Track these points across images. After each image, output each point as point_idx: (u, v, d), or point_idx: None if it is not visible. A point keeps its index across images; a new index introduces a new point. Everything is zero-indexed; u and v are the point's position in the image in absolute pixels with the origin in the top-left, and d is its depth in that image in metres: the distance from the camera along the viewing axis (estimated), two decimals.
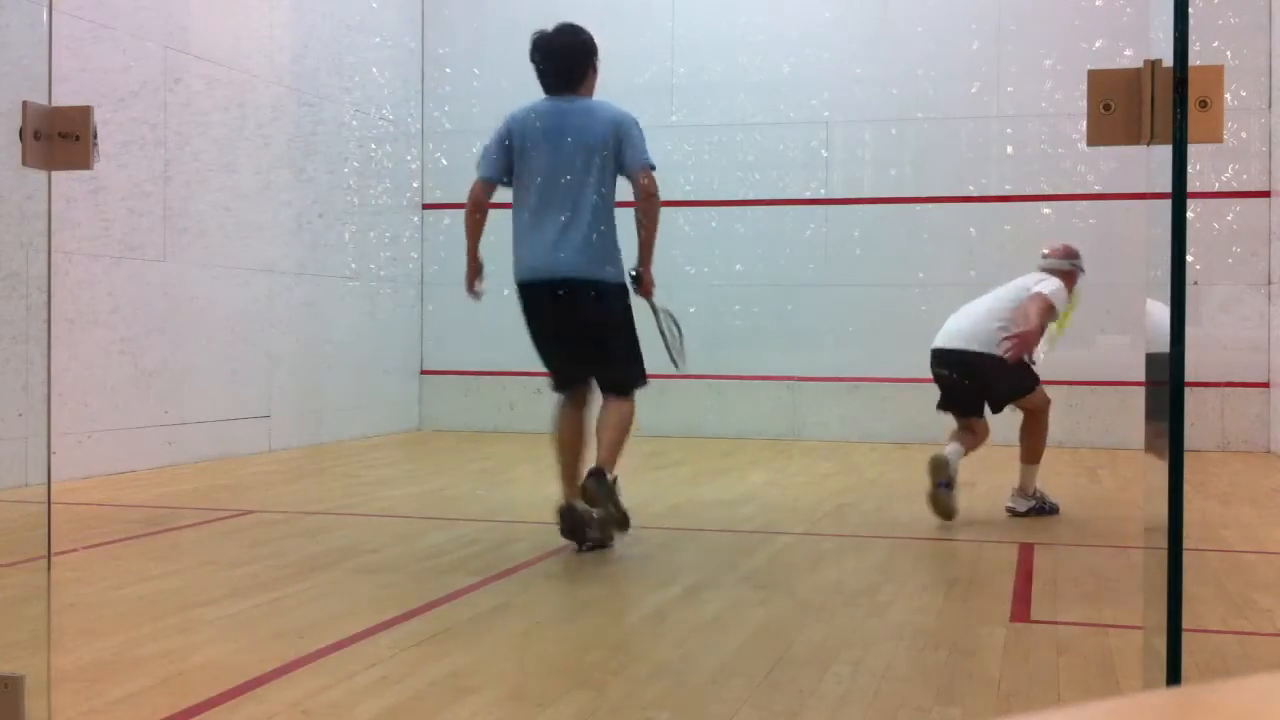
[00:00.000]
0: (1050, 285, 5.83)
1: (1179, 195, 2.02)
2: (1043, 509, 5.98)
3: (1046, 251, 6.10)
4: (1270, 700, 0.67)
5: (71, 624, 3.63)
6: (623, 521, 4.86)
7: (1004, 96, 9.67)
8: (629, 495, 6.78)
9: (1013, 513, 5.95)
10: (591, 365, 4.93)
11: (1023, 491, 6.02)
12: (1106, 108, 2.05)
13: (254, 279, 8.53)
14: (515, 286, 4.96)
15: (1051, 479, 7.49)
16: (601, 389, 4.96)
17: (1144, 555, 4.74)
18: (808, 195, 9.99)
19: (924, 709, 2.90)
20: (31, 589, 4.12)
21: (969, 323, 5.98)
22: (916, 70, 9.80)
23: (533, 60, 5.07)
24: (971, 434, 5.98)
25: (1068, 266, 6.00)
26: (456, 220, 10.88)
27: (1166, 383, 2.06)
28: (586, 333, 4.87)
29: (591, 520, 4.77)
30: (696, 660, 3.28)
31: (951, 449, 5.78)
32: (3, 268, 6.37)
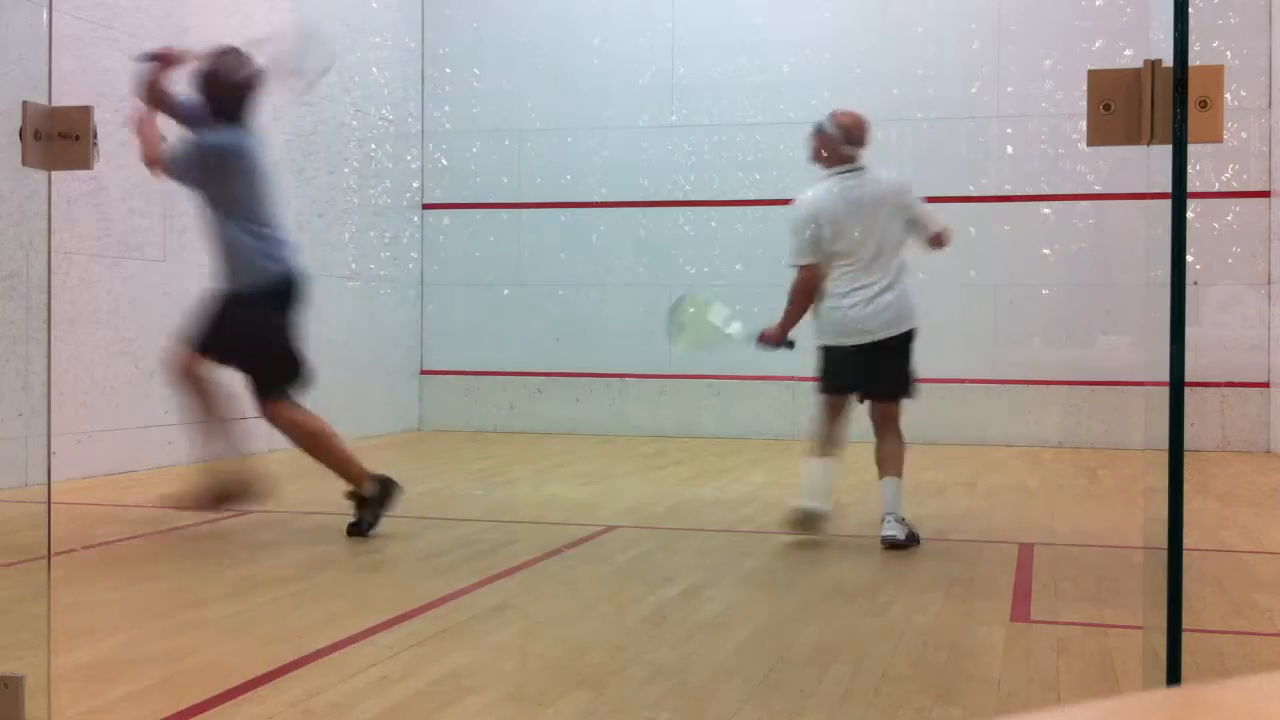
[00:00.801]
0: None
1: (1179, 195, 2.02)
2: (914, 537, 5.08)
3: None
4: (1270, 700, 0.67)
5: (71, 624, 3.63)
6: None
7: (1004, 96, 9.67)
8: (630, 495, 6.80)
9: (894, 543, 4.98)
10: None
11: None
12: (1106, 108, 2.05)
13: None
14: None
15: (1052, 479, 7.50)
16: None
17: (1144, 555, 4.74)
18: None
19: (924, 709, 2.90)
20: (31, 589, 4.12)
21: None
22: (916, 70, 9.80)
23: None
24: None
25: None
26: (456, 220, 10.95)
27: (1167, 383, 2.06)
28: None
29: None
30: (696, 660, 3.28)
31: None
32: (3, 268, 6.37)
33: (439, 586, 4.21)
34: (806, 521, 5.07)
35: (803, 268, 5.20)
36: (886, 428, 5.36)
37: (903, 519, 5.03)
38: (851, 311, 5.17)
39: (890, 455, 5.25)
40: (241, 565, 4.59)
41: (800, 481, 5.26)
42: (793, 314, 5.34)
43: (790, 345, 5.40)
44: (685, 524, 5.73)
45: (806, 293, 5.24)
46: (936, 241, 5.34)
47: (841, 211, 5.14)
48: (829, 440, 5.35)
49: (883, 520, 5.04)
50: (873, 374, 5.28)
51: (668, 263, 10.13)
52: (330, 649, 3.37)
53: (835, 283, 5.17)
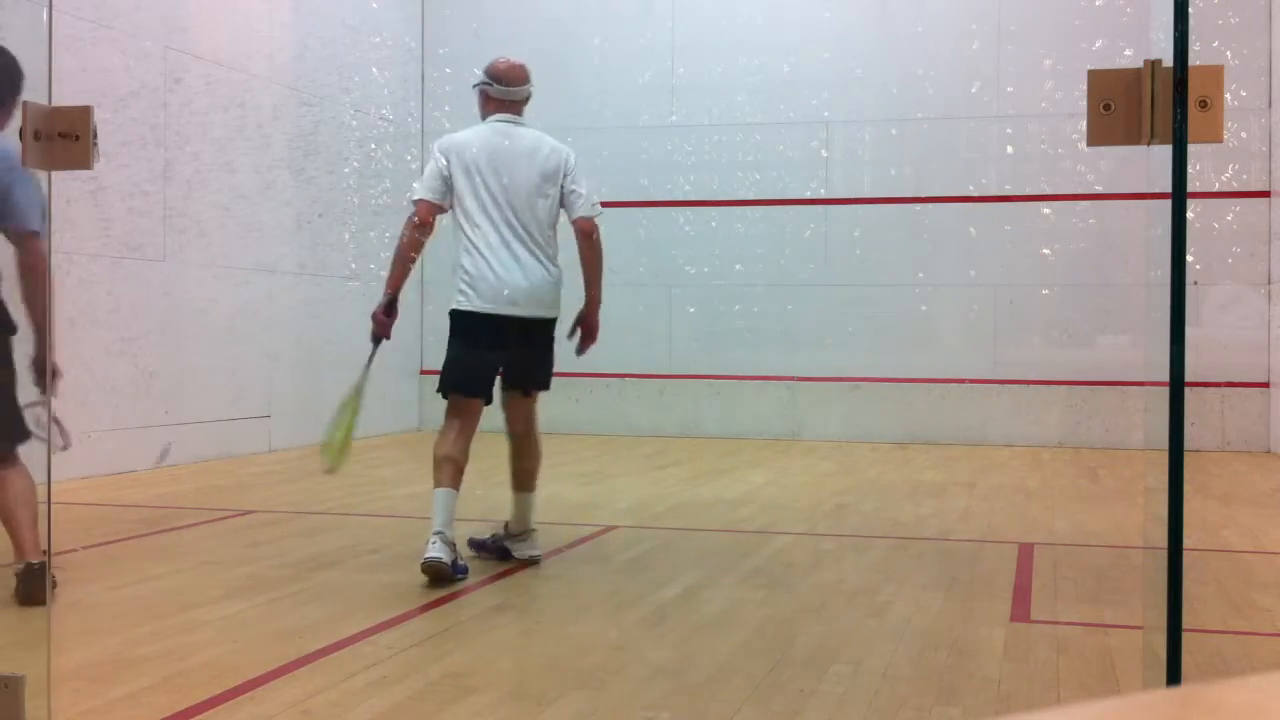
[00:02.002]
0: None
1: (1179, 195, 2.02)
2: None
3: None
4: (1270, 700, 0.67)
5: (71, 624, 3.63)
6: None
7: (1004, 96, 9.67)
8: (630, 495, 6.79)
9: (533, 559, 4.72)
10: None
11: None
12: (1106, 108, 2.05)
13: (254, 279, 8.53)
14: None
15: (1052, 479, 7.50)
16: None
17: (1144, 555, 4.74)
18: (808, 195, 10.00)
19: (924, 709, 2.91)
20: None
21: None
22: (916, 70, 9.80)
23: None
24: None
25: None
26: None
27: (1167, 383, 2.06)
28: None
29: None
30: (696, 660, 3.28)
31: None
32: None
33: (439, 586, 4.21)
34: (437, 576, 4.23)
35: (416, 202, 4.55)
36: (528, 428, 4.79)
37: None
38: (498, 269, 4.50)
39: (533, 468, 4.81)
40: (241, 565, 4.59)
41: (434, 517, 4.38)
42: (397, 264, 4.68)
43: (390, 312, 4.74)
44: (685, 524, 5.73)
45: (411, 233, 4.58)
46: (586, 331, 4.76)
47: (480, 156, 4.51)
48: (458, 456, 4.56)
49: (514, 538, 4.70)
50: (520, 359, 4.61)
51: (668, 263, 10.14)
52: (330, 649, 3.37)
53: (476, 236, 4.51)
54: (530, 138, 4.65)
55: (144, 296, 7.49)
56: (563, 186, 4.65)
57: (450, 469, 4.49)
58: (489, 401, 4.70)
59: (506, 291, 4.51)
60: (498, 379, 4.66)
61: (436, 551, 4.22)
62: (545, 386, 4.78)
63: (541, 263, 4.58)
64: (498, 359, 4.59)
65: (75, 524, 5.47)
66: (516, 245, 4.54)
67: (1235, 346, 9.17)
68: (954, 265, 9.71)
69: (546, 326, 4.66)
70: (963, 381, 9.51)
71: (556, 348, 4.75)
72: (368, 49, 9.92)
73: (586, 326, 4.75)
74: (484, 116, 4.69)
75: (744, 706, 2.90)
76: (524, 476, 4.81)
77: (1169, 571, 2.08)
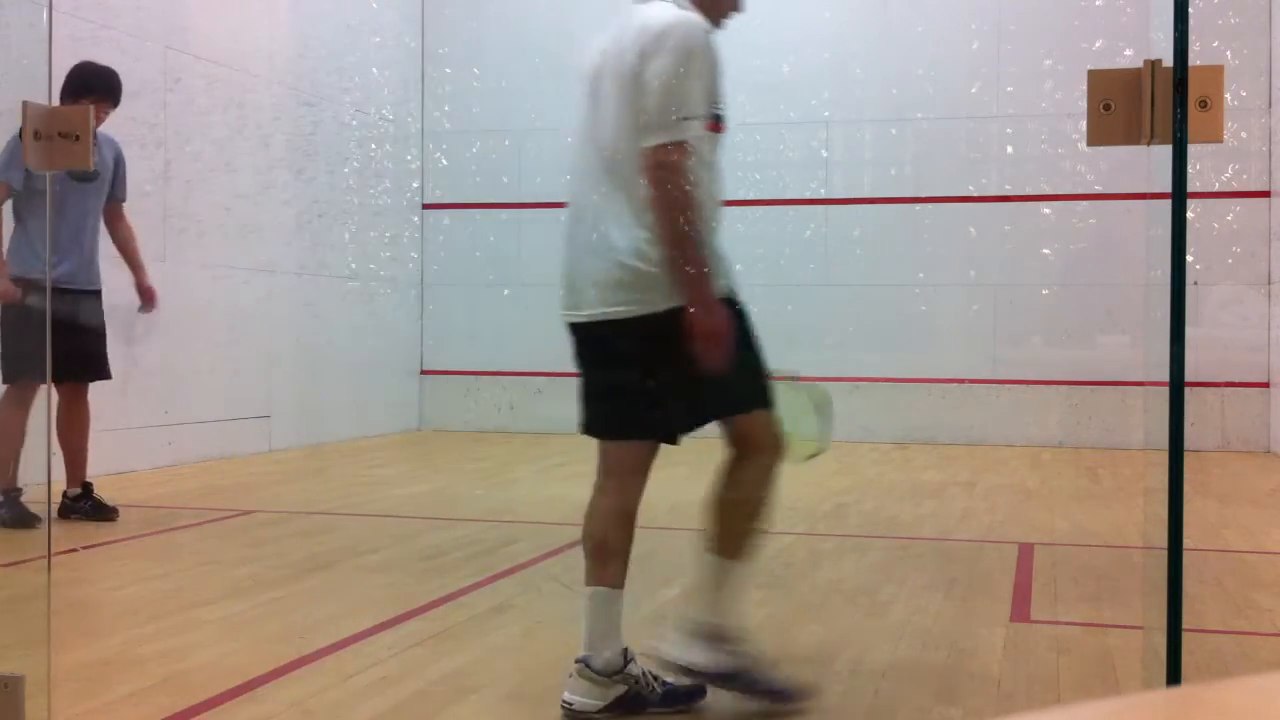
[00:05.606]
0: None
1: (1179, 195, 2.02)
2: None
3: None
4: (1270, 700, 0.67)
5: (71, 624, 3.63)
6: None
7: (1004, 96, 9.67)
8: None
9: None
10: None
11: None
12: (1106, 108, 2.05)
13: (254, 279, 8.53)
14: None
15: (1052, 479, 7.50)
16: None
17: (1144, 555, 4.74)
18: (808, 195, 10.00)
19: (924, 709, 2.90)
20: (31, 589, 4.12)
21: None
22: (916, 70, 9.80)
23: None
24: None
25: None
26: (456, 220, 10.94)
27: (1167, 383, 2.06)
28: None
29: None
30: None
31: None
32: None
33: (439, 586, 4.21)
34: None
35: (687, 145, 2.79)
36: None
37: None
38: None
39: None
40: (241, 565, 4.59)
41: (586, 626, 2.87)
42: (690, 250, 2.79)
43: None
44: (685, 524, 5.73)
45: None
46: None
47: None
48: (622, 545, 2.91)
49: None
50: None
51: None
52: (330, 649, 3.37)
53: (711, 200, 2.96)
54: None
55: None
56: None
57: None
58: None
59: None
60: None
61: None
62: None
63: None
64: None
65: (75, 524, 5.48)
66: None
67: (1235, 346, 9.16)
68: (954, 265, 9.71)
69: None
70: (963, 381, 9.51)
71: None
72: (368, 49, 9.92)
73: None
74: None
75: (744, 706, 2.90)
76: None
77: (1169, 571, 2.08)
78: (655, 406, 2.87)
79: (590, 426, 2.97)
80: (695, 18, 2.95)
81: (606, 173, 2.84)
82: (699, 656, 2.86)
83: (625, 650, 2.83)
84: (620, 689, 2.81)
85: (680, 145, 2.74)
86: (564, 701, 2.82)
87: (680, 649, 2.88)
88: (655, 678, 2.87)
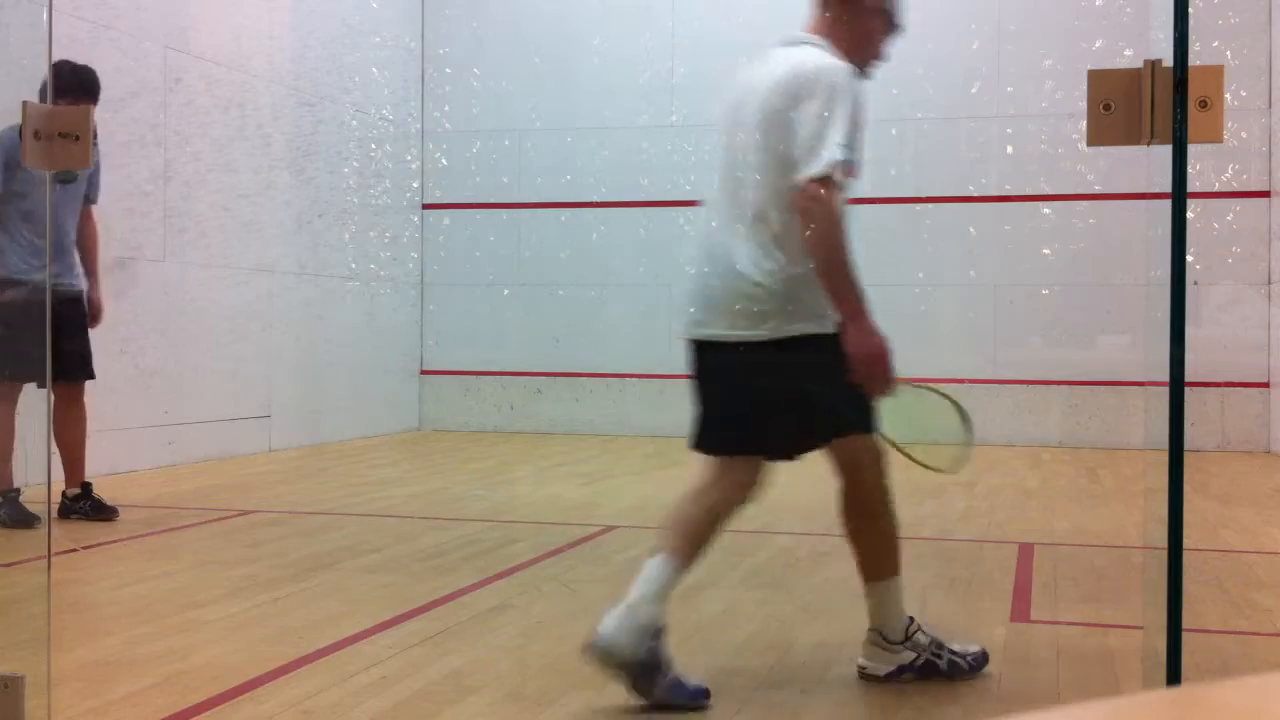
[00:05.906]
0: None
1: (1179, 195, 2.02)
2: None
3: None
4: (1270, 700, 0.67)
5: (71, 624, 3.63)
6: None
7: (1004, 96, 9.67)
8: (630, 495, 6.79)
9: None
10: None
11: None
12: (1106, 108, 2.05)
13: (254, 279, 8.53)
14: None
15: (1052, 479, 7.50)
16: None
17: (1144, 555, 4.74)
18: None
19: (924, 709, 2.91)
20: (31, 589, 4.12)
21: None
22: (916, 70, 9.79)
23: None
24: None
25: None
26: (456, 220, 10.94)
27: (1166, 383, 2.06)
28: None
29: None
30: (696, 660, 3.28)
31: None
32: None
33: (439, 586, 4.21)
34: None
35: (836, 181, 3.00)
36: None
37: None
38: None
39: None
40: (241, 565, 4.58)
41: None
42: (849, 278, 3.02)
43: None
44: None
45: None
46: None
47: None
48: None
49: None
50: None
51: (668, 263, 10.13)
52: (330, 649, 3.37)
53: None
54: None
55: (144, 296, 7.49)
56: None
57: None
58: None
59: None
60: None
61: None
62: None
63: None
64: None
65: (75, 524, 5.48)
66: None
67: (1235, 346, 9.17)
68: (954, 265, 9.71)
69: None
70: (963, 381, 9.50)
71: None
72: (368, 49, 9.92)
73: None
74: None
75: (744, 707, 2.90)
76: None
77: (1169, 571, 2.08)
78: (775, 426, 3.01)
79: (706, 443, 3.09)
80: (845, 64, 3.14)
81: (743, 205, 3.01)
82: (890, 661, 3.13)
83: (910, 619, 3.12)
84: (909, 655, 3.09)
85: (830, 180, 2.96)
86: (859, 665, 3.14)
87: (871, 660, 3.14)
88: (941, 645, 3.13)
